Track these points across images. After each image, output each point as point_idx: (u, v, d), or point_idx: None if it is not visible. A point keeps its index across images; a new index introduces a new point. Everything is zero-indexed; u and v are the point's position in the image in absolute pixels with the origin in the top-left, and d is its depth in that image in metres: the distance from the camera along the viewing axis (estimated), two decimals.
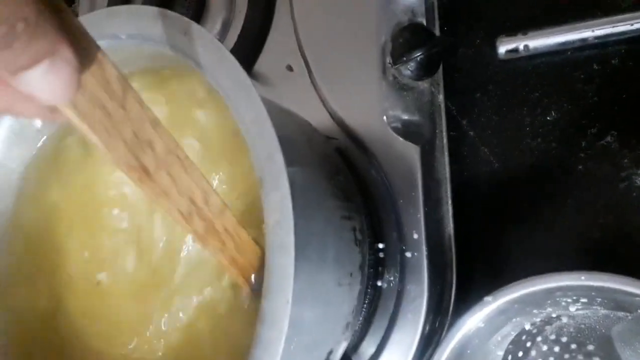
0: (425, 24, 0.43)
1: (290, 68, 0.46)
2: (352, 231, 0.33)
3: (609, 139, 0.41)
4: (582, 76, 0.42)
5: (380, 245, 0.39)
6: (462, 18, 0.45)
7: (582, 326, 0.38)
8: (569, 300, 0.36)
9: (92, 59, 0.21)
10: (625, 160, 0.41)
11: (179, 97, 0.34)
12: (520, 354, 0.39)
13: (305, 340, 0.28)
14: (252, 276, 0.28)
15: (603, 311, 0.37)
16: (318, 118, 0.42)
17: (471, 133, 0.44)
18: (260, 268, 0.27)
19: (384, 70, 0.42)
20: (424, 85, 0.42)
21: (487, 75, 0.45)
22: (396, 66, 0.41)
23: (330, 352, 0.31)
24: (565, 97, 0.43)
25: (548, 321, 0.38)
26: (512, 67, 0.44)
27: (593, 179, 0.41)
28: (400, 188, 0.40)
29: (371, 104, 0.41)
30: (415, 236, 0.39)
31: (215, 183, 0.33)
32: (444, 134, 0.43)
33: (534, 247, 0.42)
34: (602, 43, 0.41)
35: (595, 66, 0.42)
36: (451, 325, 0.36)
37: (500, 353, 0.39)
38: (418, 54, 0.40)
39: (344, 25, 0.43)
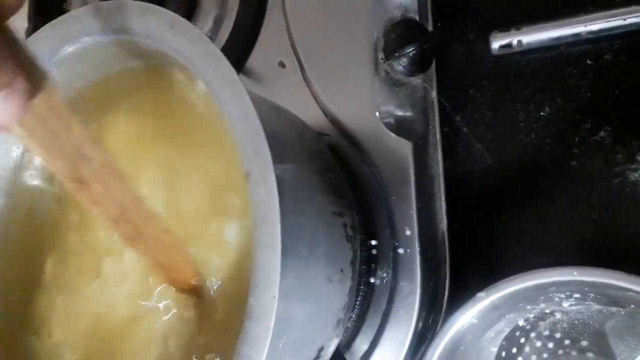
0: (417, 19, 0.42)
1: (282, 65, 0.45)
2: (344, 227, 0.33)
3: (602, 134, 0.41)
4: (575, 71, 0.42)
5: (373, 242, 0.39)
6: (455, 13, 0.45)
7: (576, 322, 0.38)
8: (562, 295, 0.36)
9: (42, 87, 0.25)
10: (619, 156, 0.40)
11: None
12: (514, 350, 0.39)
13: (294, 336, 0.28)
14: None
15: (596, 306, 0.36)
16: (310, 114, 0.42)
17: (465, 129, 0.44)
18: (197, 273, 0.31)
19: (377, 66, 0.41)
20: (416, 81, 0.42)
21: (481, 71, 0.44)
22: (388, 62, 0.40)
23: (322, 349, 0.31)
24: (558, 93, 0.42)
25: (541, 317, 0.38)
26: (506, 62, 0.44)
27: (587, 175, 0.41)
28: (392, 184, 0.40)
29: (363, 100, 0.41)
30: (408, 232, 0.39)
31: None
32: (437, 130, 0.43)
33: (528, 243, 0.42)
34: (596, 38, 0.41)
35: (588, 61, 0.42)
36: (444, 322, 0.36)
37: (494, 349, 0.39)
38: (410, 50, 0.39)
39: (336, 22, 0.43)
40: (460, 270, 0.42)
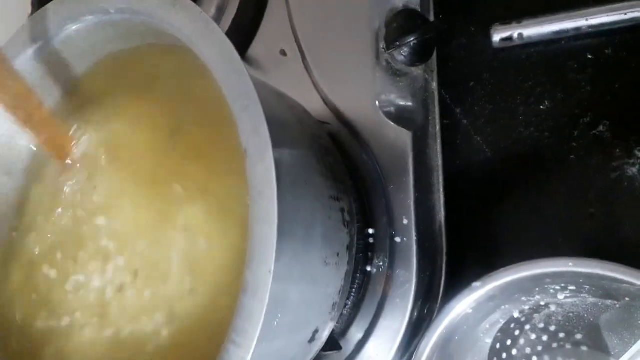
0: (419, 10, 0.43)
1: (283, 53, 0.46)
2: (341, 212, 0.33)
3: (601, 128, 0.41)
4: (575, 66, 0.42)
5: (370, 231, 0.39)
6: (457, 6, 0.45)
7: (571, 315, 0.38)
8: (557, 287, 0.36)
9: None
10: (617, 150, 0.41)
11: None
12: (509, 342, 0.39)
13: (290, 316, 0.28)
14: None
15: (591, 299, 0.36)
16: (311, 103, 0.42)
17: (464, 121, 0.44)
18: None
19: (378, 56, 0.41)
20: (417, 71, 0.42)
21: (481, 64, 0.44)
22: (389, 51, 0.40)
23: (316, 331, 0.31)
24: (558, 87, 0.43)
25: (537, 309, 0.38)
26: (506, 55, 0.44)
27: (585, 169, 0.41)
28: (391, 173, 0.40)
29: (364, 89, 0.41)
30: (405, 222, 0.39)
31: None
32: (437, 121, 0.43)
33: (526, 235, 0.42)
34: (596, 32, 0.41)
35: (589, 56, 0.42)
36: (440, 311, 0.36)
37: (489, 341, 0.39)
38: (411, 39, 0.39)
39: (338, 11, 0.43)
40: (457, 261, 0.42)
